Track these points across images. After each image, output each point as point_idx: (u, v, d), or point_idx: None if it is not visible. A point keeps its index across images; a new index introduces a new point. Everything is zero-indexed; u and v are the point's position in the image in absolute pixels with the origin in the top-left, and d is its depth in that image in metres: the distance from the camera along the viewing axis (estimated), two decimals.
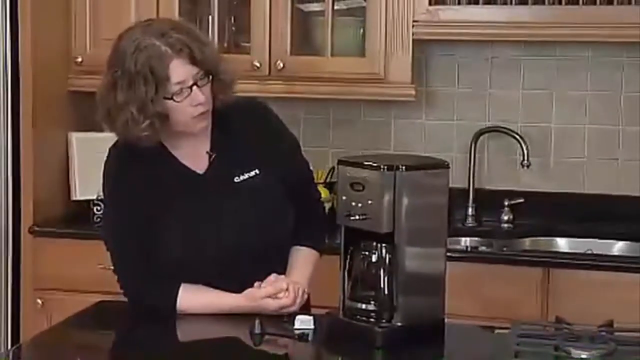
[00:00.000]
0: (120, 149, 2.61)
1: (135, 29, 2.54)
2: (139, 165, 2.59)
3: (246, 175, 2.63)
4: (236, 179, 2.63)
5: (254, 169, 2.64)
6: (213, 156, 2.63)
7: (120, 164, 2.62)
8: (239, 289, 2.58)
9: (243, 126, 2.66)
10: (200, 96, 2.50)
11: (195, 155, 2.63)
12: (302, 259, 2.73)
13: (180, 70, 2.47)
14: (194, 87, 2.49)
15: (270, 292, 2.56)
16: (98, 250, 2.76)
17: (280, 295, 2.56)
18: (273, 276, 2.59)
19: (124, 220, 2.62)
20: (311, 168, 2.88)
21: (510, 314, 3.03)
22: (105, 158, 2.66)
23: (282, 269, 2.67)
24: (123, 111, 2.49)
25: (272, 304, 2.55)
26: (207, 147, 2.64)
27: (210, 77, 2.53)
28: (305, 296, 2.64)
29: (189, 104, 2.50)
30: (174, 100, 2.48)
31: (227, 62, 2.62)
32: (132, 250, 2.61)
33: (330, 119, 4.19)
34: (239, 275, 2.58)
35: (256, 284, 2.58)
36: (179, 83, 2.48)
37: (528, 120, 4.03)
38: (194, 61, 2.49)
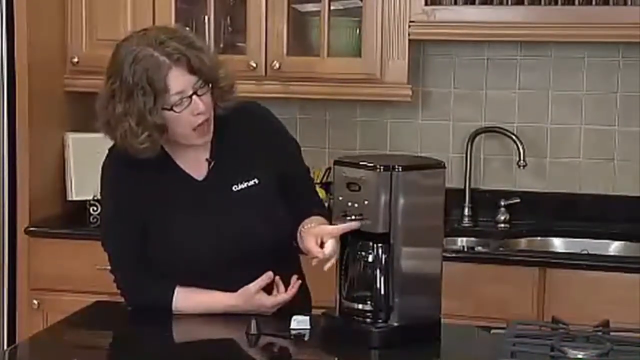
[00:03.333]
0: (120, 151, 2.60)
1: (132, 38, 2.52)
2: (138, 167, 2.58)
3: (245, 185, 2.62)
4: (234, 188, 2.62)
5: (253, 179, 2.63)
6: (212, 163, 2.63)
7: (119, 166, 2.62)
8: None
9: (244, 131, 2.65)
10: (201, 105, 2.49)
11: (195, 162, 2.62)
12: (315, 218, 2.64)
13: (179, 81, 2.46)
14: (194, 97, 2.48)
15: (262, 284, 2.55)
16: (94, 251, 2.76)
17: (278, 295, 2.55)
18: (269, 274, 2.59)
19: (121, 221, 2.62)
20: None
21: (506, 314, 3.04)
22: (104, 159, 2.65)
23: (279, 275, 2.64)
24: (121, 122, 2.48)
25: (267, 301, 2.55)
26: (207, 154, 2.63)
27: (210, 85, 2.52)
28: (298, 282, 2.62)
29: (190, 113, 2.49)
30: (174, 111, 2.47)
31: (225, 68, 2.60)
32: (128, 251, 2.61)
33: (327, 119, 4.19)
34: (235, 283, 2.57)
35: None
36: (178, 93, 2.46)
37: (524, 121, 4.03)
38: (192, 70, 2.47)
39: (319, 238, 2.46)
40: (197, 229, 2.58)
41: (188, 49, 2.47)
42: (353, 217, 2.37)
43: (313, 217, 2.62)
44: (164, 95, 2.45)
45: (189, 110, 2.48)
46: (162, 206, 2.59)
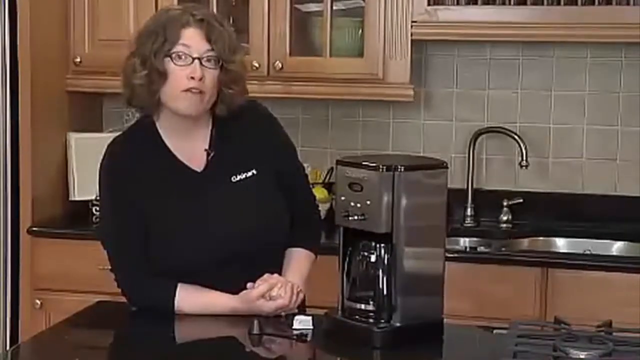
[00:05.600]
0: (118, 146, 2.62)
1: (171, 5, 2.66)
2: (136, 163, 2.59)
3: (243, 175, 2.63)
4: (233, 179, 2.63)
5: (252, 169, 2.64)
6: (211, 154, 2.63)
7: (117, 163, 2.62)
8: (234, 289, 2.57)
9: (243, 125, 2.67)
10: (198, 72, 2.51)
11: (193, 153, 2.63)
12: (297, 259, 2.73)
13: (191, 37, 2.52)
14: (196, 62, 2.50)
15: (263, 291, 2.55)
16: (96, 251, 2.76)
17: (274, 293, 2.55)
18: (266, 275, 2.59)
19: (120, 219, 2.61)
20: (307, 170, 2.88)
21: (508, 314, 3.03)
22: (101, 157, 2.65)
23: (277, 269, 2.66)
24: (129, 60, 2.55)
25: (268, 306, 2.55)
26: (206, 145, 2.64)
27: (220, 64, 2.54)
28: (302, 295, 2.63)
29: (184, 73, 2.51)
30: (172, 61, 2.50)
31: (242, 59, 2.64)
32: (128, 249, 2.61)
33: (329, 119, 4.19)
34: (234, 274, 2.57)
35: (249, 284, 2.57)
36: (184, 46, 2.51)
37: (526, 121, 4.03)
38: (208, 38, 2.52)
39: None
40: (196, 220, 2.58)
41: (213, 20, 2.57)
42: (355, 217, 2.37)
43: (292, 261, 2.71)
44: (172, 43, 2.51)
45: (184, 70, 2.51)
46: (161, 199, 2.59)
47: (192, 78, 2.51)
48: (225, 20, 2.64)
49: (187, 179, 2.62)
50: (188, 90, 2.52)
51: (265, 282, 2.56)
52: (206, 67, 2.52)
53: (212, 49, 2.53)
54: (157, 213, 2.58)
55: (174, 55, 2.51)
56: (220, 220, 2.59)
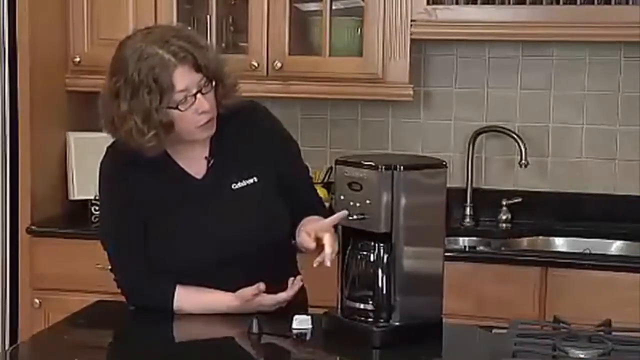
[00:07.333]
0: (118, 149, 2.60)
1: (136, 36, 2.51)
2: (136, 166, 2.57)
3: (244, 183, 2.62)
4: (234, 186, 2.61)
5: (253, 177, 2.62)
6: (211, 161, 2.62)
7: (117, 165, 2.62)
8: (235, 289, 2.56)
9: (243, 129, 2.65)
10: (205, 104, 2.48)
11: (194, 160, 2.61)
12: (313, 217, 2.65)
13: (184, 79, 2.45)
14: (198, 95, 2.47)
15: (256, 292, 2.54)
16: (96, 250, 2.76)
17: (277, 294, 2.55)
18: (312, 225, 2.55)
19: (119, 220, 2.61)
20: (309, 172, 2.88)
21: (508, 314, 3.03)
22: (101, 157, 2.65)
23: (277, 270, 2.63)
24: (127, 121, 2.46)
25: (267, 300, 2.55)
26: (206, 152, 2.62)
27: (214, 82, 2.51)
28: (300, 283, 2.61)
29: (194, 112, 2.48)
30: (179, 110, 2.46)
31: (228, 65, 2.60)
32: (128, 252, 2.61)
33: (328, 119, 4.19)
34: (234, 275, 2.56)
35: (290, 280, 2.56)
36: (182, 91, 2.45)
37: (526, 120, 4.03)
38: (197, 68, 2.46)
39: (314, 233, 2.49)
40: (196, 227, 2.58)
41: (193, 47, 2.47)
42: (355, 217, 2.37)
43: (311, 217, 2.64)
44: (170, 93, 2.44)
45: (193, 109, 2.48)
46: (161, 205, 2.58)
47: (203, 112, 2.49)
48: (195, 35, 2.56)
49: (187, 186, 2.60)
50: (204, 124, 2.51)
51: (256, 288, 2.53)
52: (205, 93, 2.49)
53: (204, 75, 2.48)
54: (156, 216, 2.58)
55: (178, 105, 2.46)
56: (221, 222, 2.59)
